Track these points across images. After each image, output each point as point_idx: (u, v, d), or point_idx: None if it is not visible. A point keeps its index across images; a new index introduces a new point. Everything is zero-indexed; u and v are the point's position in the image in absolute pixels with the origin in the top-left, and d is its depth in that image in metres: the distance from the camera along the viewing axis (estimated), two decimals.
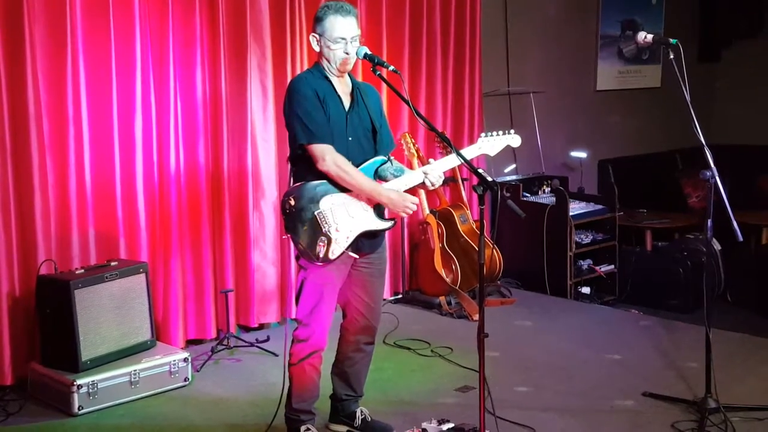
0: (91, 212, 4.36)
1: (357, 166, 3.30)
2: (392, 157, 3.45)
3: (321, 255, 3.22)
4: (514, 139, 3.42)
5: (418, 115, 3.28)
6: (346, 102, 3.34)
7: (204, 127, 4.71)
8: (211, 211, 4.79)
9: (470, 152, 3.34)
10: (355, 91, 3.39)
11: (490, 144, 3.36)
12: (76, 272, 4.07)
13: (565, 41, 7.16)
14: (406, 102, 3.19)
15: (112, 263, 4.20)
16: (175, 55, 4.56)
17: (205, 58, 4.68)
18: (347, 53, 3.26)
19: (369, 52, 3.30)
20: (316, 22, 3.28)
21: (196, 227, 4.74)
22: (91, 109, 4.33)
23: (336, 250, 3.24)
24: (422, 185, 3.35)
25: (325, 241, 3.22)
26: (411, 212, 3.30)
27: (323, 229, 3.22)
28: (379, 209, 3.35)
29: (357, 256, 3.33)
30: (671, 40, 3.62)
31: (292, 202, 3.23)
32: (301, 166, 3.28)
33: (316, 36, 3.28)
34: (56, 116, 4.22)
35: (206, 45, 4.68)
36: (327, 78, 3.32)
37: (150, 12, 4.47)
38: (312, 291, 3.33)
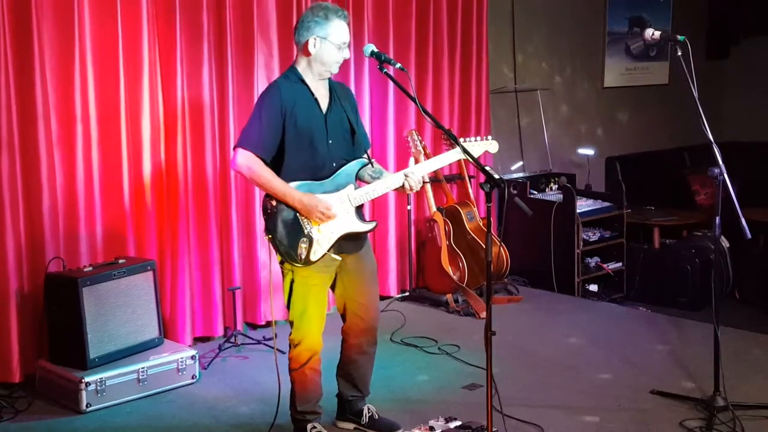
0: (99, 210, 4.37)
1: (339, 167, 3.32)
2: (373, 159, 3.46)
3: (303, 256, 3.23)
4: (491, 145, 3.46)
5: (425, 112, 3.28)
6: (324, 104, 3.35)
7: (211, 125, 4.71)
8: (218, 208, 4.80)
9: (450, 157, 3.38)
10: (333, 92, 3.39)
11: (469, 148, 3.35)
12: (84, 270, 4.09)
13: (572, 38, 7.14)
14: (413, 99, 3.19)
15: (120, 261, 4.21)
16: (182, 53, 4.56)
17: (212, 55, 4.68)
18: (345, 58, 3.31)
19: (376, 50, 3.30)
20: (316, 24, 3.25)
21: (203, 225, 4.74)
22: (98, 107, 4.34)
23: (318, 252, 3.24)
24: (401, 188, 3.34)
25: (307, 242, 3.23)
26: (325, 219, 3.23)
27: (305, 230, 3.23)
28: (360, 211, 3.36)
29: (339, 259, 3.33)
30: (679, 37, 3.61)
31: (274, 203, 3.23)
32: (274, 167, 3.28)
33: (318, 38, 3.25)
34: (64, 114, 4.23)
35: (213, 42, 4.68)
36: (303, 81, 3.32)
37: (157, 9, 4.48)
38: (301, 294, 3.33)
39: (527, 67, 6.77)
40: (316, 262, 3.26)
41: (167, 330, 4.55)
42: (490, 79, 6.25)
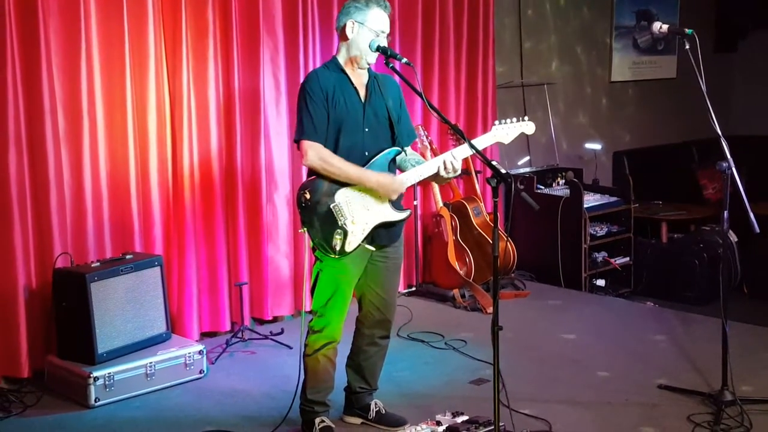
0: (107, 205, 4.38)
1: (373, 157, 3.31)
2: (410, 150, 3.45)
3: (338, 248, 3.23)
4: (528, 126, 3.38)
5: (431, 107, 3.27)
6: (363, 93, 3.35)
7: (217, 120, 4.72)
8: (225, 204, 4.80)
9: (485, 140, 3.33)
10: (372, 82, 3.39)
11: (505, 132, 3.34)
12: (92, 265, 4.10)
13: (579, 32, 7.12)
14: (419, 94, 3.19)
15: (128, 256, 4.22)
16: (188, 48, 4.57)
17: (217, 51, 4.68)
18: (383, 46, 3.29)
19: (382, 44, 3.30)
20: (356, 9, 3.27)
21: (210, 220, 4.75)
22: (105, 103, 4.35)
23: (353, 243, 3.25)
24: (436, 175, 3.32)
25: (342, 234, 3.23)
26: (398, 194, 3.28)
27: (339, 222, 3.23)
28: (395, 200, 3.35)
29: (373, 249, 3.33)
30: (687, 30, 3.60)
31: (308, 196, 3.24)
32: None
33: (356, 23, 3.27)
34: (71, 110, 4.24)
35: (219, 38, 4.68)
36: (343, 71, 3.33)
37: (163, 5, 4.48)
38: (328, 282, 3.33)
39: (534, 62, 6.75)
40: (350, 253, 3.26)
41: (174, 325, 4.56)
42: (497, 73, 6.23)
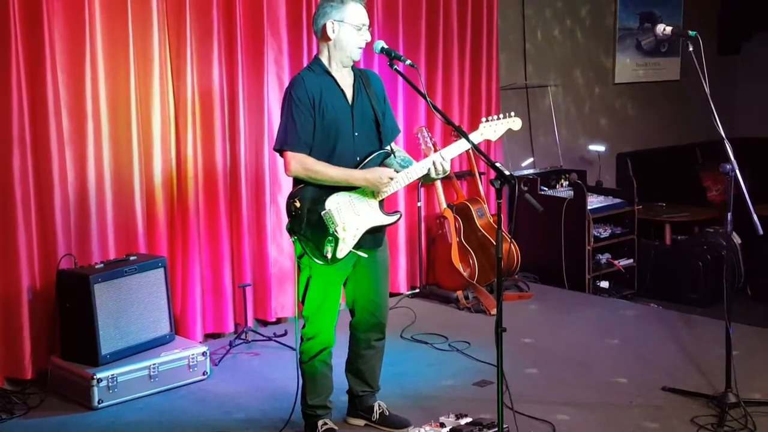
0: (110, 207, 4.39)
1: (363, 160, 3.30)
2: (396, 148, 3.44)
3: (329, 256, 3.22)
4: (514, 122, 3.37)
5: (435, 109, 3.26)
6: (349, 94, 3.33)
7: (221, 122, 4.72)
8: (228, 205, 4.81)
9: (473, 139, 3.29)
10: (357, 81, 3.37)
11: (492, 129, 3.33)
12: (96, 267, 4.10)
13: (583, 34, 7.11)
14: (423, 96, 3.19)
15: (131, 258, 4.23)
16: (193, 50, 4.57)
17: (222, 52, 4.69)
18: (366, 41, 3.27)
19: (386, 46, 3.29)
20: (332, 8, 3.24)
21: (213, 222, 4.75)
22: (109, 104, 4.36)
23: (344, 249, 3.24)
24: (425, 176, 3.31)
25: (333, 241, 3.22)
26: (386, 186, 3.25)
27: (330, 229, 3.22)
28: (382, 204, 3.34)
29: (366, 256, 3.32)
30: (690, 32, 3.59)
31: (298, 204, 3.22)
32: None
33: (335, 22, 3.25)
34: (75, 111, 4.24)
35: (223, 39, 4.69)
36: (328, 72, 3.30)
37: (168, 6, 4.49)
38: (317, 289, 3.32)
39: (538, 63, 6.75)
40: (342, 259, 3.25)
41: (178, 326, 4.57)
42: (501, 75, 6.23)
